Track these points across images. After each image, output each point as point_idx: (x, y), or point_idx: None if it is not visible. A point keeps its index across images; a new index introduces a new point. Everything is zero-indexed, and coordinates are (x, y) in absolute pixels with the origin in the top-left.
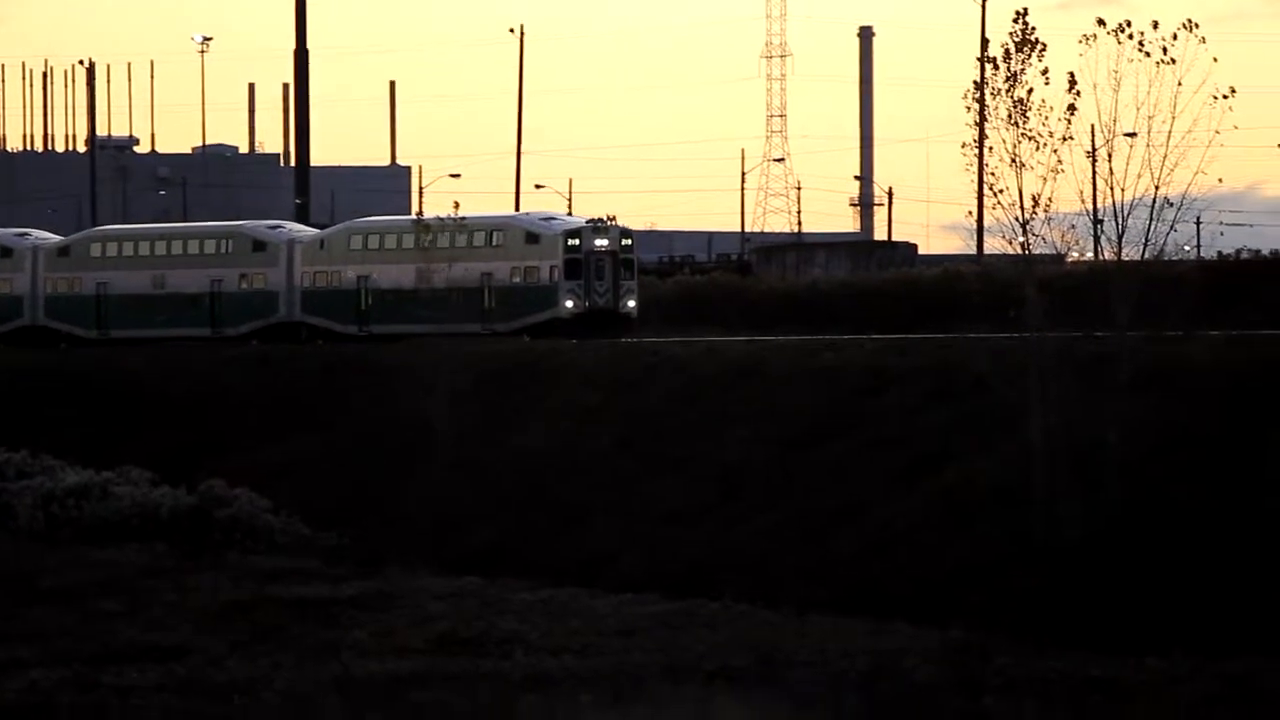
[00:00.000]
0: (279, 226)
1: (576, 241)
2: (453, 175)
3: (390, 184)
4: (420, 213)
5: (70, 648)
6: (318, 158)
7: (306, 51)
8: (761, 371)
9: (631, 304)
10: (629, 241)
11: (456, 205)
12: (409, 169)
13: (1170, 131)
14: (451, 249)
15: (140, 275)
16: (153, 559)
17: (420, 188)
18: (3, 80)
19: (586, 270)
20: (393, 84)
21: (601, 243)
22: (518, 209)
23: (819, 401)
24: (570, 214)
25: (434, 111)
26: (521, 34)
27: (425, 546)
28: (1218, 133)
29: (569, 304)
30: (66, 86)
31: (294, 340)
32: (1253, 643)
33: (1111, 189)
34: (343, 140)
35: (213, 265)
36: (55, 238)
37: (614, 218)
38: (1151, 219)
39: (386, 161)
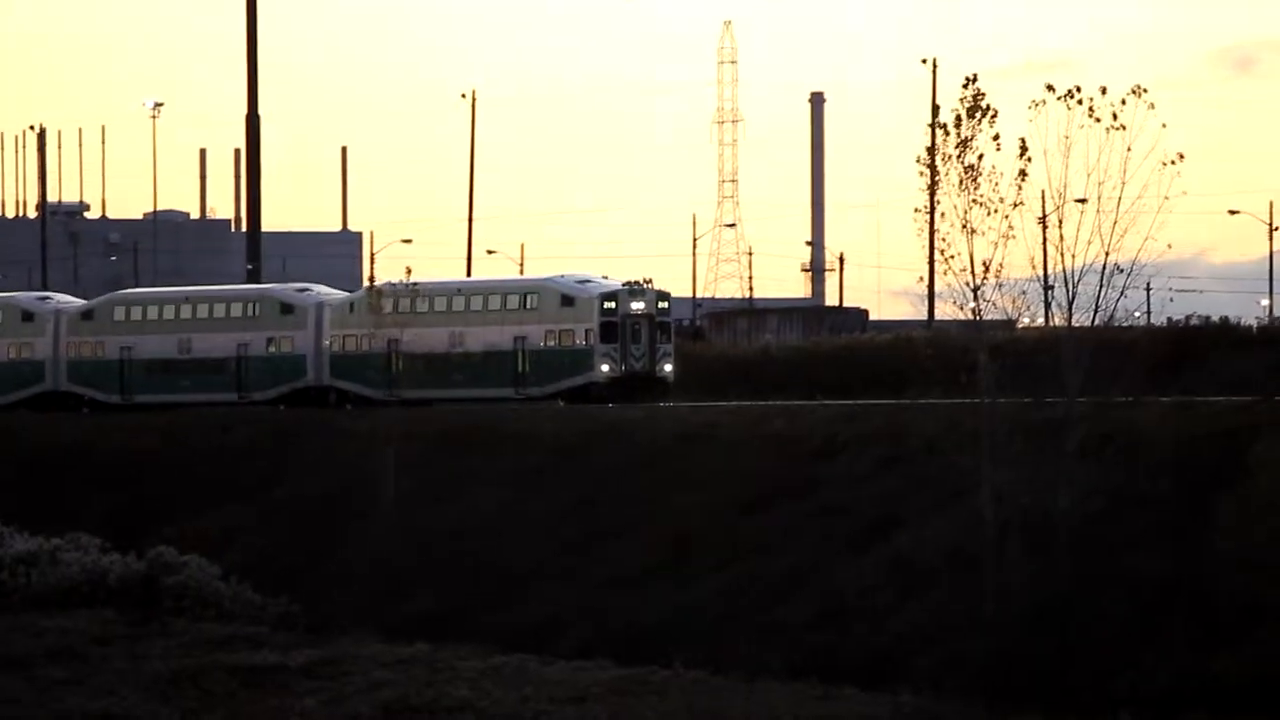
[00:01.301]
0: (307, 289)
1: (613, 304)
2: (404, 241)
3: (342, 249)
4: (372, 278)
5: (19, 715)
6: (269, 223)
7: (258, 116)
8: (713, 436)
9: (669, 368)
10: (665, 304)
11: (409, 271)
12: (360, 234)
13: (1120, 197)
14: (484, 312)
15: (165, 339)
16: (102, 626)
17: (372, 253)
18: None
19: (623, 333)
20: (344, 149)
21: (638, 305)
22: (469, 274)
23: (771, 467)
24: (606, 277)
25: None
26: (473, 99)
27: (375, 612)
28: (1167, 198)
29: (605, 368)
30: (17, 152)
31: (322, 404)
32: (1199, 709)
33: (1062, 255)
34: (294, 205)
35: (239, 329)
36: (78, 301)
37: (650, 280)
38: (1102, 285)
39: (338, 227)
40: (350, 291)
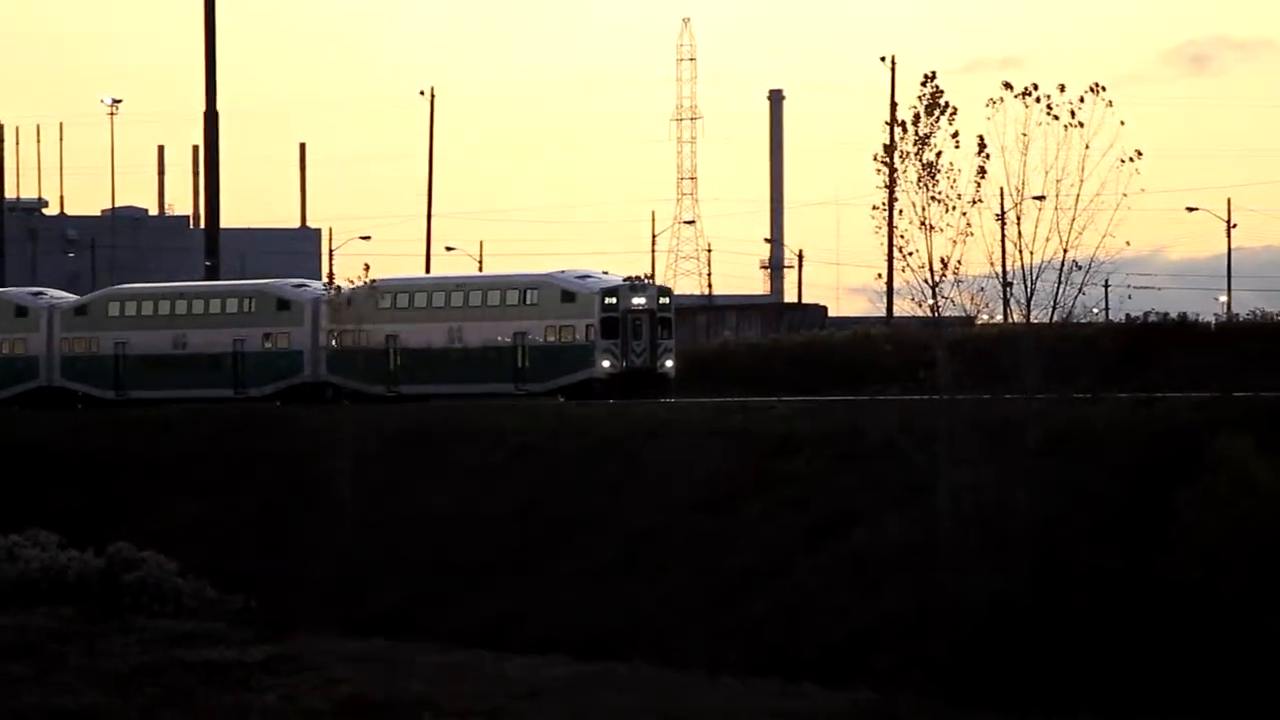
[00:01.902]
0: (304, 285)
1: (614, 300)
2: (363, 237)
3: (300, 246)
4: (331, 275)
5: None
6: (227, 220)
7: (216, 114)
8: (672, 433)
9: (669, 364)
10: (666, 300)
11: (367, 268)
12: (319, 231)
13: (1078, 194)
14: (484, 307)
15: (160, 335)
16: (60, 623)
17: (330, 250)
18: None
19: (624, 329)
20: (303, 146)
21: (639, 301)
22: (428, 271)
23: (729, 463)
24: (607, 273)
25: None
26: (432, 96)
27: (332, 608)
28: (1125, 195)
29: (606, 364)
30: None
31: (319, 401)
32: (1158, 706)
33: (1020, 252)
34: (252, 202)
35: (236, 324)
36: (71, 297)
37: (651, 276)
38: (1060, 282)
39: (297, 223)
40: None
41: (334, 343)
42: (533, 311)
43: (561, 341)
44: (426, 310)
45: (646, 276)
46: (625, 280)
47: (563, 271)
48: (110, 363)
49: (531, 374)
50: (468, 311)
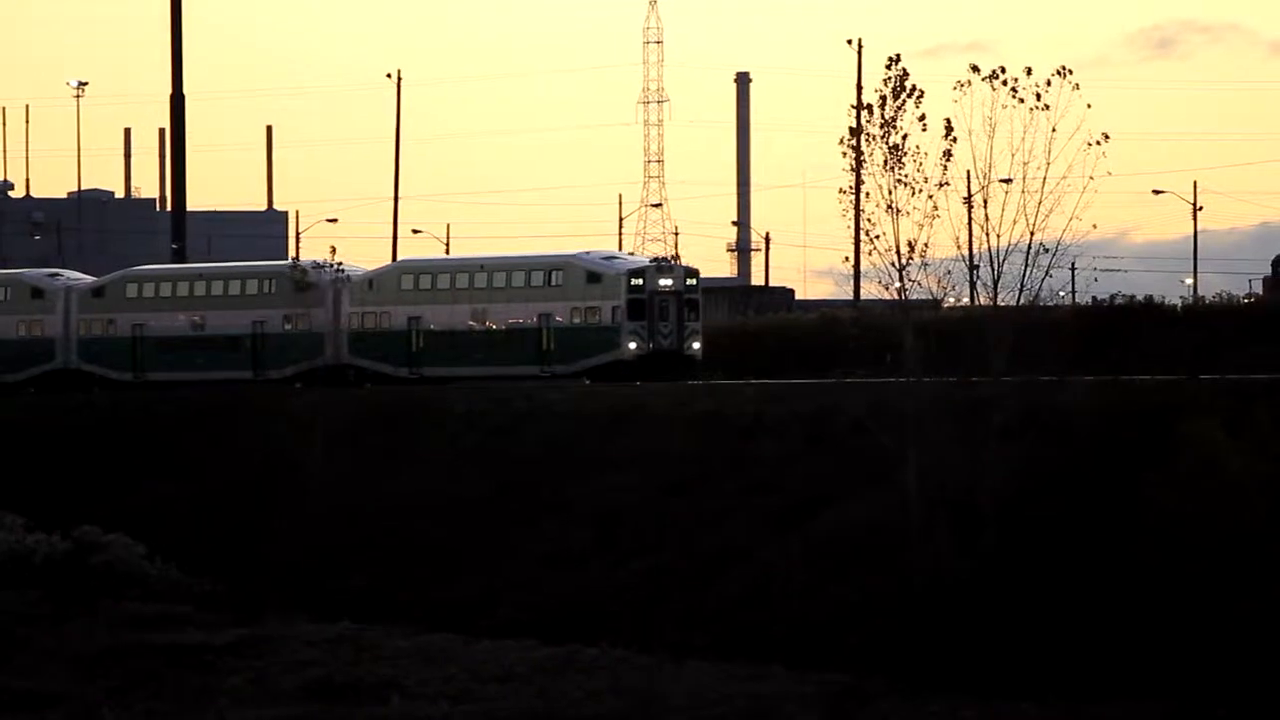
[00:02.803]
0: (322, 266)
1: (640, 281)
2: (330, 220)
3: (267, 229)
4: (297, 257)
5: None
6: (194, 202)
7: (183, 96)
8: (641, 416)
9: (696, 345)
10: (694, 281)
11: (333, 250)
12: (286, 214)
13: (1045, 177)
14: (508, 288)
15: (179, 316)
16: (26, 606)
17: (297, 232)
18: None
19: (650, 311)
20: (269, 128)
21: (666, 282)
22: (395, 254)
23: (698, 446)
24: (633, 254)
25: (311, 156)
26: (399, 79)
27: (301, 591)
28: (1092, 178)
29: (632, 345)
30: None
31: (342, 382)
32: (1126, 687)
33: (987, 235)
34: (219, 185)
35: (255, 306)
36: (88, 278)
37: (678, 257)
38: (1027, 265)
39: (263, 206)
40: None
41: (356, 325)
42: (557, 293)
43: (587, 323)
44: (449, 291)
45: (673, 257)
46: (652, 261)
47: (588, 252)
48: (128, 345)
49: (556, 356)
50: (491, 293)
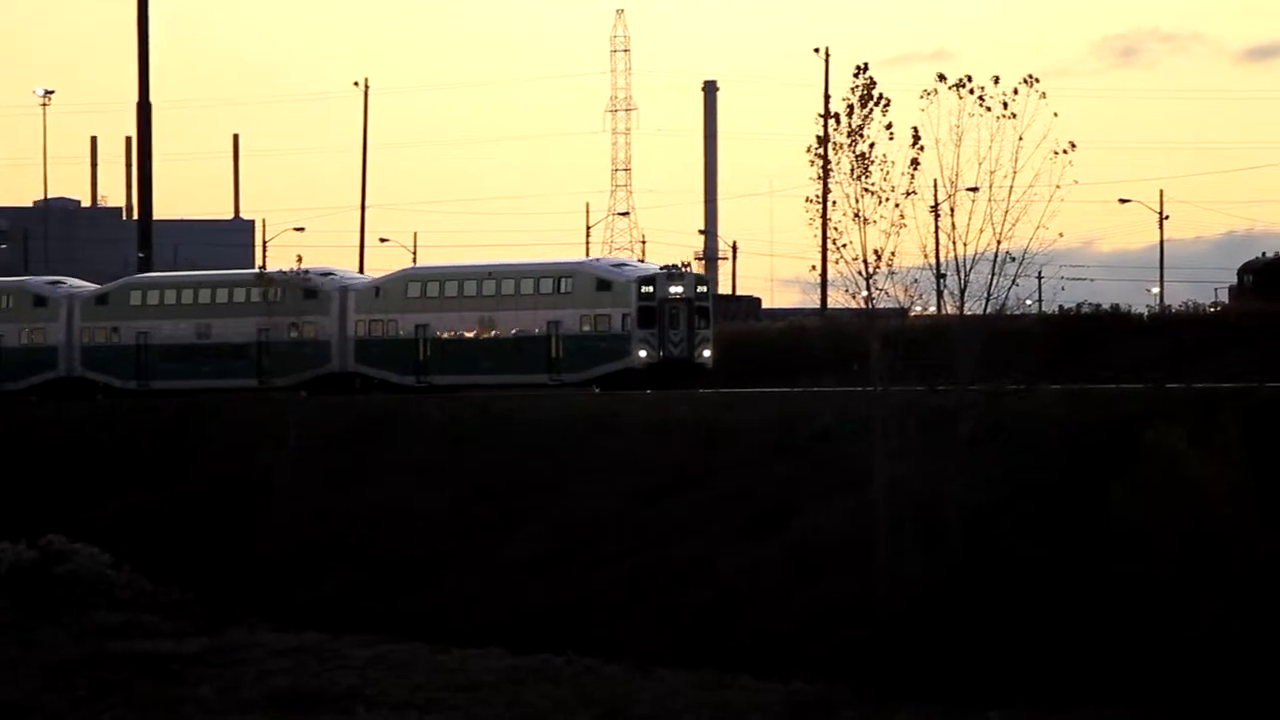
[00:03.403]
0: (331, 273)
1: (650, 289)
2: (296, 229)
3: (234, 238)
4: (263, 266)
5: None
6: (160, 211)
7: (149, 104)
8: (613, 425)
9: (707, 353)
10: (704, 289)
11: (300, 259)
12: (253, 222)
13: (1012, 186)
14: (516, 296)
15: (183, 324)
16: None
17: (264, 241)
18: None
19: (661, 318)
20: (236, 137)
21: (676, 290)
22: (361, 263)
23: (669, 454)
24: (642, 260)
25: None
26: (366, 88)
27: (269, 600)
28: (1058, 187)
29: (643, 354)
30: None
31: (348, 391)
32: (1093, 694)
33: (954, 243)
34: (186, 193)
35: (259, 314)
36: (91, 286)
37: (689, 264)
38: (994, 273)
39: (230, 215)
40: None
41: (363, 332)
42: (566, 300)
43: (597, 331)
44: (457, 299)
45: (684, 264)
46: (663, 269)
47: (597, 259)
48: (131, 353)
49: (566, 364)
50: (499, 300)
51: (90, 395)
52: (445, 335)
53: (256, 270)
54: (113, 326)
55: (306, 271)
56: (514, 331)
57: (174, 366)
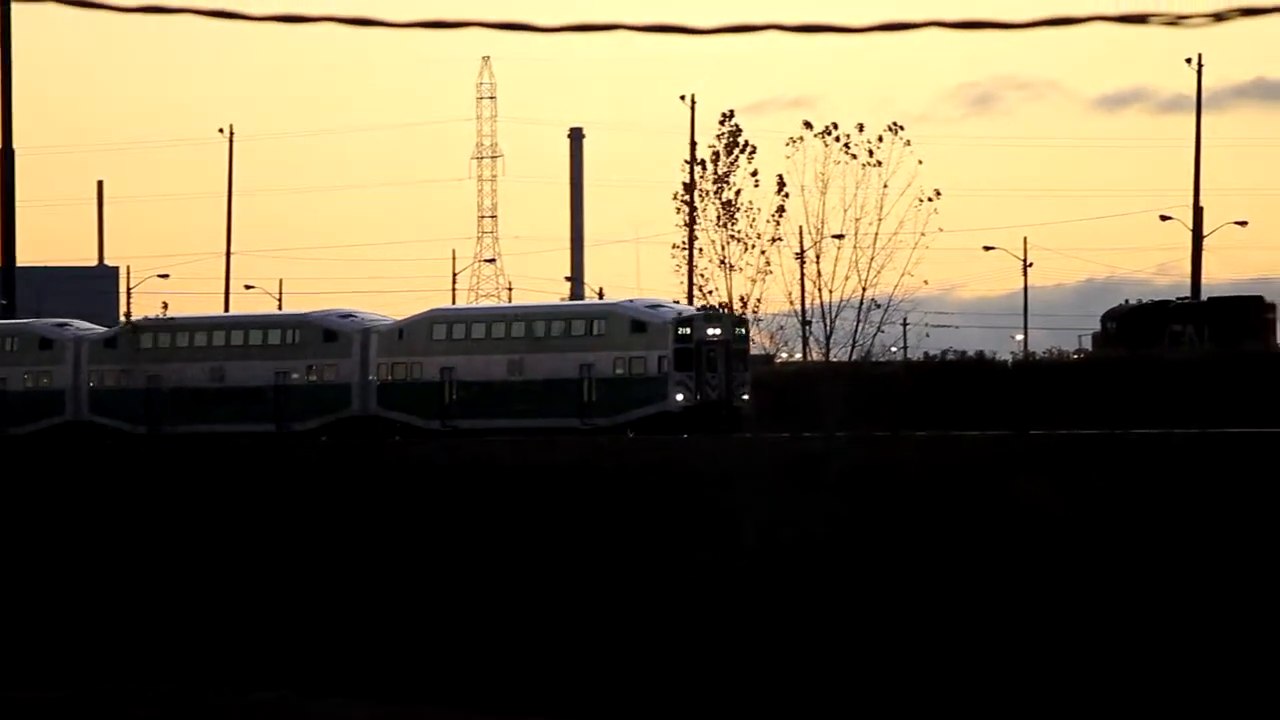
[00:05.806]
0: (351, 315)
1: (688, 330)
2: (161, 275)
3: (98, 285)
4: (129, 314)
5: None
6: (23, 258)
7: (12, 150)
8: (489, 469)
9: (746, 397)
10: (743, 331)
11: (165, 306)
12: (117, 269)
13: (877, 233)
14: (546, 338)
15: (197, 367)
16: None
17: (129, 288)
18: None
19: (698, 361)
20: (100, 183)
21: (714, 331)
22: (227, 309)
23: (541, 499)
24: (677, 302)
25: (142, 212)
26: (230, 134)
27: (135, 650)
28: (923, 234)
29: (679, 397)
30: None
31: (370, 435)
32: None
33: (820, 290)
34: (49, 241)
35: (278, 357)
36: (99, 329)
37: (727, 305)
38: (859, 320)
39: (94, 262)
40: (109, 328)
41: (385, 375)
42: (599, 342)
43: (632, 374)
44: (485, 341)
45: (722, 305)
46: (700, 310)
47: (631, 301)
48: (142, 397)
49: (598, 408)
50: (530, 343)
51: (98, 440)
52: (472, 378)
53: (125, 317)
54: (122, 370)
55: (130, 320)
56: (544, 374)
57: (187, 410)
